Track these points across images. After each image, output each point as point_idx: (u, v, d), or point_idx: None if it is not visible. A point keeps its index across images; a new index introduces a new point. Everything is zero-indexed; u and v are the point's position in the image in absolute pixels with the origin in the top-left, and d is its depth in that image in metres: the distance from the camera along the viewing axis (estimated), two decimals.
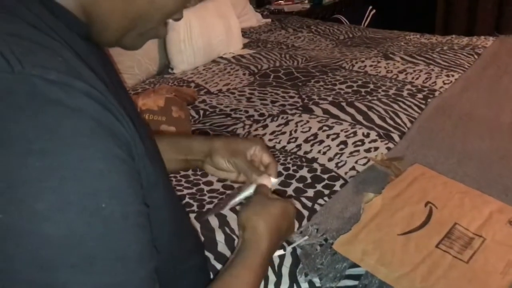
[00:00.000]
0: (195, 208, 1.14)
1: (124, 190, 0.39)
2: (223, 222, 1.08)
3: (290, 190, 1.17)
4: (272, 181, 0.71)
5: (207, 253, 0.99)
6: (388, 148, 1.35)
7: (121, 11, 0.46)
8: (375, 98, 1.67)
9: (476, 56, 2.06)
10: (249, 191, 0.70)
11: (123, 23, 0.47)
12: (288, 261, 0.95)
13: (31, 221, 0.35)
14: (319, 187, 1.19)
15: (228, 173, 0.75)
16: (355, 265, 0.90)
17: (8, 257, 0.35)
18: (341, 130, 1.44)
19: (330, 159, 1.31)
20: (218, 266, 0.96)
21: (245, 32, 2.56)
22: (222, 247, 1.01)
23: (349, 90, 1.76)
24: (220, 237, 1.04)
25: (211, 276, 0.88)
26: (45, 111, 0.36)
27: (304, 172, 1.24)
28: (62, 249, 0.36)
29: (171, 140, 0.78)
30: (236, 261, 0.60)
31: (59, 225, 0.36)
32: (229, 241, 1.03)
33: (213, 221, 1.09)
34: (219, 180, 1.23)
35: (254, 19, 2.82)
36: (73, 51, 0.42)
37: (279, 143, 1.40)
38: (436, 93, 1.70)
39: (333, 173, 1.24)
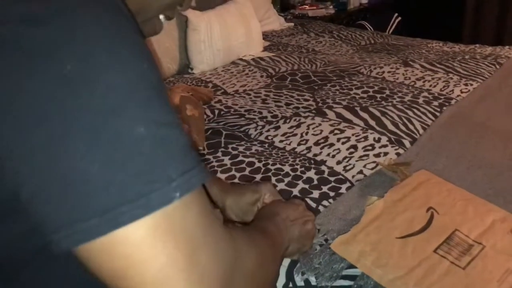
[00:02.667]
0: None
1: (154, 61, 0.43)
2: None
3: (296, 191, 1.18)
4: None
5: None
6: (398, 154, 1.35)
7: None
8: (389, 104, 1.67)
9: (498, 66, 2.03)
10: None
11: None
12: (286, 259, 0.96)
13: (97, 70, 0.38)
14: (325, 189, 1.20)
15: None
16: (352, 266, 0.91)
17: (82, 101, 0.38)
18: (353, 134, 1.45)
19: (338, 162, 1.32)
20: None
21: (266, 35, 2.59)
22: None
23: (365, 95, 1.76)
24: None
25: None
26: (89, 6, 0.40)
27: (311, 173, 1.25)
28: (124, 95, 0.39)
29: None
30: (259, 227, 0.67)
31: (118, 74, 0.39)
32: None
33: None
34: (227, 179, 1.25)
35: (277, 22, 2.84)
36: None
37: (289, 144, 1.42)
38: (453, 102, 1.68)
39: (340, 176, 1.25)
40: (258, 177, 1.24)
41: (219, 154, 1.36)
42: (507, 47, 2.34)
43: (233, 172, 1.27)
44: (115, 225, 0.37)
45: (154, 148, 0.39)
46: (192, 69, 2.10)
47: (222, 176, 1.26)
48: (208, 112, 1.65)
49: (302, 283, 0.91)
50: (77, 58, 0.38)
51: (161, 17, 0.55)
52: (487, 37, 3.66)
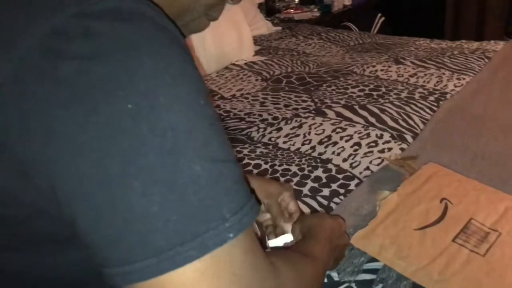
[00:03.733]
0: None
1: (207, 97, 0.43)
2: None
3: (305, 190, 1.19)
4: (290, 238, 0.79)
5: None
6: (402, 149, 1.36)
7: (168, 1, 0.49)
8: (387, 101, 1.69)
9: (486, 60, 2.07)
10: (289, 238, 0.79)
11: (169, 14, 0.50)
12: None
13: (157, 109, 0.39)
14: (334, 186, 1.20)
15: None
16: (372, 260, 0.92)
17: (142, 140, 0.38)
18: (355, 132, 1.46)
19: (344, 160, 1.33)
20: None
21: (256, 40, 2.60)
22: None
23: (361, 93, 1.78)
24: None
25: None
26: (144, 24, 0.41)
27: (319, 172, 1.26)
28: (183, 135, 0.39)
29: None
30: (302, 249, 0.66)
31: (177, 114, 0.39)
32: None
33: None
34: None
35: (265, 27, 2.85)
36: None
37: (293, 145, 1.42)
38: (448, 96, 1.71)
39: (348, 173, 1.26)
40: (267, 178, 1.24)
41: None
42: (492, 41, 2.39)
43: None
44: (170, 266, 0.38)
45: (209, 187, 0.39)
46: None
47: None
48: None
49: (325, 280, 0.91)
50: (138, 96, 0.38)
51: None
52: (468, 33, 3.73)
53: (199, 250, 0.38)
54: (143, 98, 0.38)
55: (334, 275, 0.92)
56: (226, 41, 2.17)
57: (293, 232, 0.77)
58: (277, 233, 0.83)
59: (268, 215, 0.84)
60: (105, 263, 0.39)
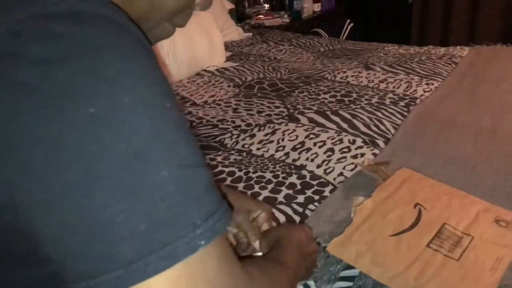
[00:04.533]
0: None
1: (175, 100, 0.42)
2: None
3: (280, 197, 1.18)
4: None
5: None
6: (374, 154, 1.37)
7: (128, 7, 0.47)
8: (358, 106, 1.70)
9: (453, 65, 2.12)
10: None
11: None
12: None
13: (120, 112, 0.37)
14: (309, 193, 1.20)
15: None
16: (349, 267, 0.92)
17: (104, 146, 0.36)
18: (328, 138, 1.46)
19: (318, 166, 1.33)
20: None
21: (227, 46, 2.59)
22: None
23: (333, 99, 1.79)
24: None
25: None
26: (108, 28, 0.39)
27: (293, 179, 1.26)
28: (148, 138, 0.38)
29: None
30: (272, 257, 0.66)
31: (142, 116, 0.38)
32: None
33: None
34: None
35: (236, 33, 2.85)
36: None
37: (267, 151, 1.42)
38: (418, 101, 1.74)
39: (322, 179, 1.26)
40: (240, 186, 1.23)
41: None
42: (459, 47, 2.45)
43: (224, 176, 1.26)
44: (140, 277, 0.36)
45: (177, 193, 0.38)
46: None
47: None
48: None
49: None
50: (101, 100, 0.37)
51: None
52: (434, 38, 3.82)
53: (169, 260, 0.37)
54: (106, 102, 0.37)
55: (311, 284, 0.91)
56: (197, 47, 2.15)
57: (261, 248, 0.76)
58: (249, 250, 0.82)
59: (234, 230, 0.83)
60: (71, 278, 0.37)
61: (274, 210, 1.09)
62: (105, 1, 0.41)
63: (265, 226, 0.81)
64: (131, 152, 0.37)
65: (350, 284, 0.90)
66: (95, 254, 0.36)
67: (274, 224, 0.84)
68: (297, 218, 1.10)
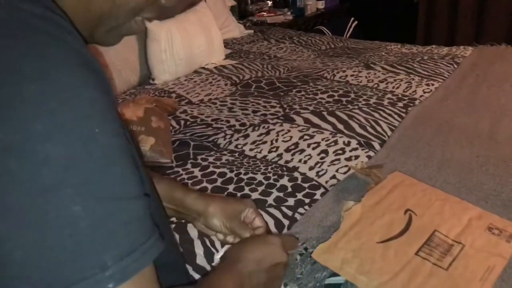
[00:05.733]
0: (174, 218, 1.12)
1: (114, 119, 0.39)
2: (203, 232, 1.06)
3: (270, 200, 1.16)
4: None
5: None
6: (369, 157, 1.35)
7: (83, 8, 0.45)
8: (356, 107, 1.67)
9: (455, 66, 2.08)
10: None
11: (87, 20, 0.46)
12: None
13: (32, 141, 0.34)
14: (299, 196, 1.18)
15: (217, 234, 0.83)
16: (335, 274, 0.89)
17: (10, 176, 0.34)
18: (322, 139, 1.44)
19: (311, 168, 1.30)
20: (197, 277, 0.94)
21: (227, 43, 2.57)
22: (200, 260, 0.99)
23: (330, 99, 1.76)
24: (199, 249, 1.02)
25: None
26: (35, 39, 0.36)
27: (284, 181, 1.23)
28: (61, 170, 0.35)
29: (168, 186, 0.81)
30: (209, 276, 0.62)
31: (57, 145, 0.35)
32: (208, 253, 1.01)
33: (193, 231, 1.07)
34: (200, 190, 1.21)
35: (237, 30, 2.82)
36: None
37: (260, 152, 1.39)
38: (416, 102, 1.71)
39: (314, 182, 1.23)
40: (231, 187, 1.21)
41: (189, 166, 1.32)
42: (462, 47, 2.41)
43: (204, 184, 1.23)
44: None
45: (89, 229, 0.35)
46: (153, 79, 2.05)
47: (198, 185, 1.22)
48: (173, 123, 1.61)
49: None
50: (11, 126, 0.34)
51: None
52: (440, 37, 3.77)
53: None
54: (16, 128, 0.34)
55: None
56: (195, 44, 2.13)
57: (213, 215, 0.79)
58: None
59: (222, 235, 0.83)
60: None
61: (262, 213, 1.07)
62: (41, 11, 0.38)
63: (257, 221, 0.80)
64: (40, 186, 0.34)
65: None
66: None
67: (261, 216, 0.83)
68: (286, 222, 1.08)
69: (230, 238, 0.83)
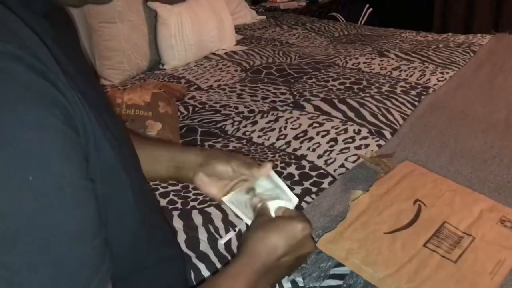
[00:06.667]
0: (179, 205, 1.11)
1: (58, 162, 0.36)
2: (207, 219, 1.05)
3: None
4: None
5: (188, 251, 0.96)
6: (379, 145, 1.32)
7: None
8: (367, 95, 1.64)
9: (472, 54, 2.03)
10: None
11: None
12: None
13: None
14: (306, 184, 1.15)
15: (217, 188, 0.71)
16: (340, 264, 0.87)
17: None
18: (332, 127, 1.41)
19: (319, 156, 1.28)
20: (200, 265, 0.93)
21: (239, 29, 2.53)
22: (204, 246, 0.98)
23: (342, 87, 1.72)
24: (203, 235, 1.01)
25: (191, 274, 0.85)
26: None
27: (292, 169, 1.21)
28: None
29: (166, 146, 0.77)
30: (225, 270, 0.57)
31: None
32: (212, 240, 1.00)
33: (197, 218, 1.06)
34: None
35: (249, 16, 2.78)
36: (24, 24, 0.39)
37: (268, 139, 1.37)
38: (430, 90, 1.67)
39: (322, 171, 1.21)
40: None
41: None
42: (479, 35, 2.34)
43: None
44: None
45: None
46: (163, 65, 2.03)
47: None
48: (181, 108, 1.59)
49: (289, 285, 0.86)
50: None
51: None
52: (457, 25, 3.69)
53: None
54: None
55: (300, 280, 0.87)
56: (206, 30, 2.10)
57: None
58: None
59: (221, 188, 0.71)
60: None
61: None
62: None
63: (266, 170, 0.67)
64: None
65: (340, 282, 0.86)
66: None
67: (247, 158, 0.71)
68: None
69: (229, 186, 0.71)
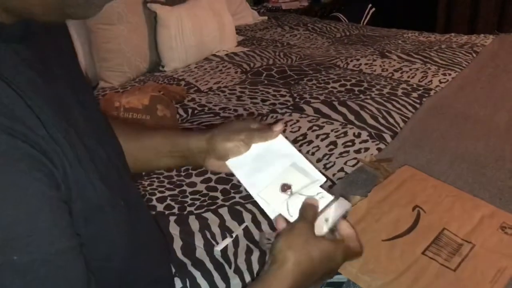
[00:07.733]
0: (176, 210, 1.10)
1: (43, 232, 0.36)
2: (204, 225, 1.04)
3: None
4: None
5: (184, 259, 0.95)
6: (379, 149, 1.30)
7: None
8: (368, 97, 1.62)
9: (474, 55, 2.01)
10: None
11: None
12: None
13: None
14: None
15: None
16: (337, 273, 0.86)
17: None
18: (332, 130, 1.40)
19: (318, 160, 1.26)
20: (196, 273, 0.92)
21: (240, 30, 2.52)
22: (200, 253, 0.97)
23: (342, 89, 1.71)
24: (199, 242, 1.00)
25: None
26: None
27: None
28: None
29: (167, 133, 0.72)
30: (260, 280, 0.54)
31: None
32: (208, 246, 0.99)
33: (194, 224, 1.05)
34: (202, 182, 1.19)
35: (250, 16, 2.77)
36: None
37: None
38: (432, 92, 1.65)
39: None
40: (235, 179, 1.17)
41: None
42: (482, 35, 2.32)
43: (208, 175, 1.21)
44: None
45: None
46: (163, 66, 2.02)
47: (198, 179, 1.19)
48: (181, 111, 1.58)
49: None
50: None
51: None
52: (461, 25, 3.66)
53: None
54: None
55: None
56: (206, 31, 2.09)
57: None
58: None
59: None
60: None
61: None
62: None
63: (279, 128, 0.66)
64: None
65: None
66: None
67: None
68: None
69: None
